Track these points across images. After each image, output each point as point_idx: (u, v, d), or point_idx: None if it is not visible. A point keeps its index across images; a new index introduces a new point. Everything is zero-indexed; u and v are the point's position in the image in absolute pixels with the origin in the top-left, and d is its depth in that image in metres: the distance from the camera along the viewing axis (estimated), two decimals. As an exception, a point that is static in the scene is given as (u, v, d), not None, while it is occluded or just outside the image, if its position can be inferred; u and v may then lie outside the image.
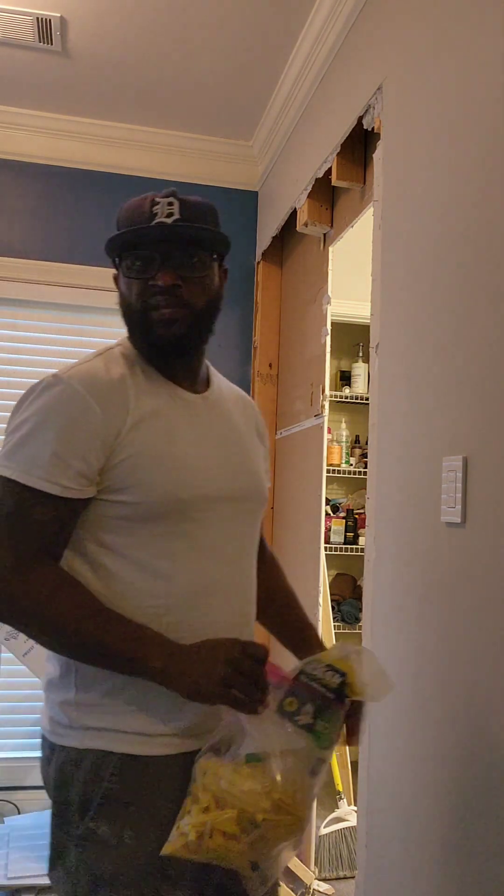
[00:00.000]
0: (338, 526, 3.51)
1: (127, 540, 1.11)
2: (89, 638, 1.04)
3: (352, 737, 1.12)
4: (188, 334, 1.16)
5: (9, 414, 1.22)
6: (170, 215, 1.14)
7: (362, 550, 3.58)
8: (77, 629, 1.04)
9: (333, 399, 3.55)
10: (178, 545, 1.13)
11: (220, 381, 1.32)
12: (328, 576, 3.62)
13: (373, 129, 1.98)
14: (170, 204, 1.15)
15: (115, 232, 1.26)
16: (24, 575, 1.05)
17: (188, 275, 1.15)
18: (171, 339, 1.16)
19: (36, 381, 1.23)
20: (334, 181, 2.24)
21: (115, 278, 1.29)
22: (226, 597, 1.17)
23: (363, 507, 3.59)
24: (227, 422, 1.26)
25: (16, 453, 1.09)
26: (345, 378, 3.72)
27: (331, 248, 2.50)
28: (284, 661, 1.15)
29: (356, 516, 3.55)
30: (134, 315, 1.23)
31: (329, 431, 3.64)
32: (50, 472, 1.06)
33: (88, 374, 1.16)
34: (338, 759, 2.67)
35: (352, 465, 3.64)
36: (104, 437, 1.09)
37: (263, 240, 3.13)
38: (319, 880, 2.44)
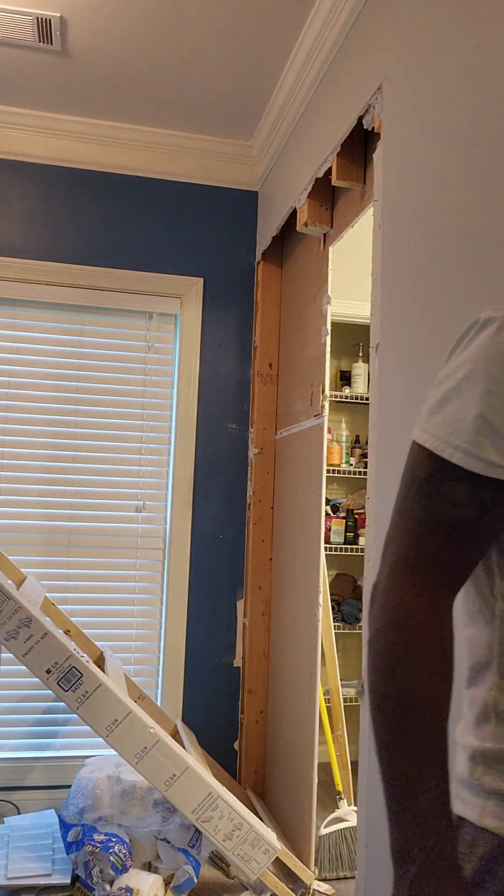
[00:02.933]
0: (338, 526, 3.52)
1: None
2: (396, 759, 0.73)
3: None
4: None
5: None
6: None
7: (362, 550, 3.59)
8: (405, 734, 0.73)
9: (333, 399, 3.55)
10: None
11: None
12: (328, 576, 3.62)
13: (373, 129, 1.99)
14: None
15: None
16: (427, 601, 0.75)
17: None
18: None
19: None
20: (334, 181, 2.24)
21: None
22: None
23: (363, 507, 3.59)
24: None
25: (435, 413, 0.80)
26: (345, 378, 3.72)
27: (331, 248, 2.51)
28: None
29: (356, 516, 3.55)
30: None
31: (329, 431, 3.65)
32: (472, 440, 0.76)
33: None
34: (338, 760, 2.67)
35: (352, 465, 3.64)
36: None
37: (263, 240, 3.13)
38: (319, 880, 2.45)
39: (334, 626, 3.25)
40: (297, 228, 2.62)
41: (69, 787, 2.62)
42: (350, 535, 3.52)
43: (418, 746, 0.72)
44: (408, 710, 0.73)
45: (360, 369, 3.66)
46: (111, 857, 2.23)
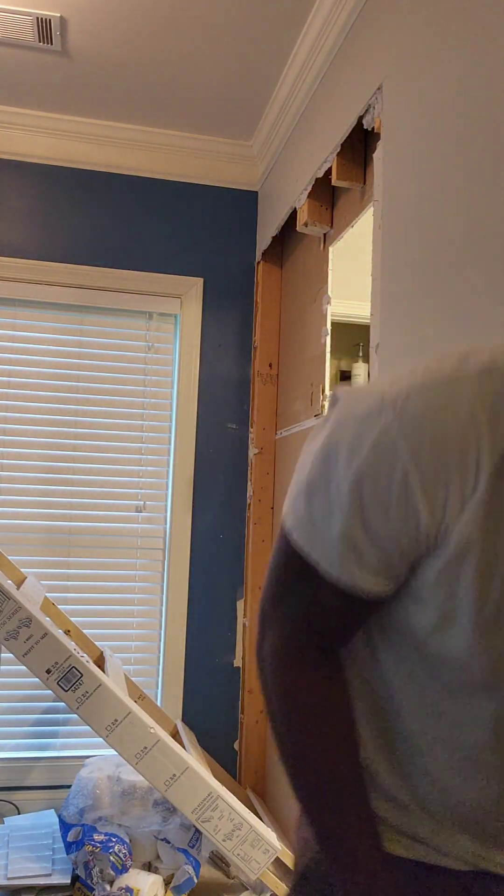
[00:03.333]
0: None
1: None
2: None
3: None
4: None
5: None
6: None
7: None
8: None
9: (333, 399, 3.55)
10: None
11: None
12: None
13: (373, 128, 1.99)
14: None
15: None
16: None
17: None
18: None
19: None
20: (334, 181, 2.24)
21: None
22: None
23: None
24: None
25: (305, 505, 0.78)
26: (345, 378, 3.72)
27: (331, 248, 2.50)
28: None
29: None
30: None
31: (329, 431, 3.64)
32: (339, 562, 0.75)
33: None
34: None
35: (352, 465, 3.64)
36: None
37: (263, 240, 3.13)
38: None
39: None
40: (297, 228, 2.62)
41: (69, 787, 2.62)
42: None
43: (337, 809, 0.76)
44: (319, 784, 0.77)
45: (360, 369, 3.66)
46: (111, 857, 2.23)
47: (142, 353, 3.14)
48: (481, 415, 0.64)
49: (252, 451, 3.11)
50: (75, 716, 2.18)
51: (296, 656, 0.79)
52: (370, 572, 0.73)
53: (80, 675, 2.09)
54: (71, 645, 2.19)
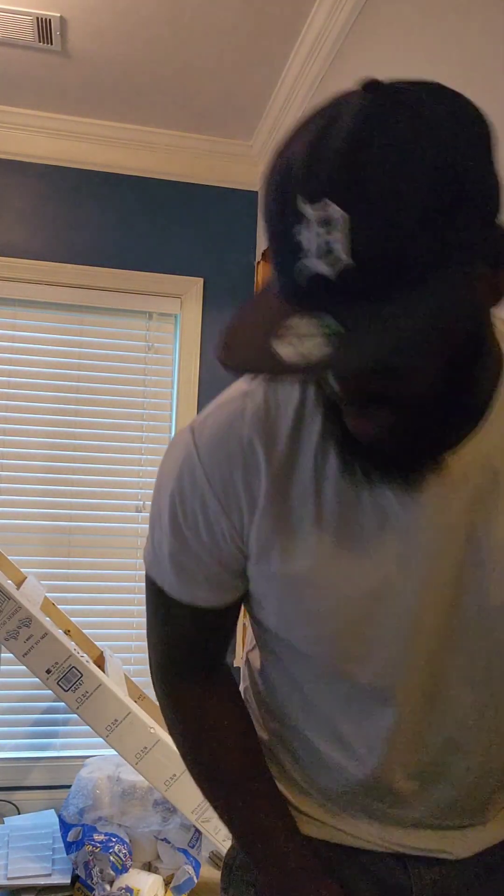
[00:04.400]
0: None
1: None
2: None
3: None
4: None
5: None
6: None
7: (362, 550, 3.58)
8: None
9: (333, 399, 3.55)
10: None
11: None
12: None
13: (373, 129, 1.98)
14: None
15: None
16: None
17: None
18: None
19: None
20: (334, 181, 2.24)
21: None
22: None
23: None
24: None
25: (150, 536, 0.87)
26: (345, 378, 3.72)
27: (331, 248, 2.50)
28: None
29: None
30: None
31: (329, 431, 3.64)
32: (175, 581, 0.83)
33: None
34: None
35: (352, 465, 3.64)
36: None
37: (263, 240, 3.13)
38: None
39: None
40: (297, 228, 2.62)
41: (69, 787, 2.62)
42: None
43: (236, 802, 0.85)
44: (212, 783, 0.87)
45: (360, 369, 3.66)
46: (111, 857, 2.23)
47: (142, 353, 3.14)
48: (257, 439, 0.73)
49: (252, 451, 3.11)
50: (75, 716, 2.18)
51: (173, 673, 0.88)
52: (203, 589, 0.80)
53: (80, 675, 2.09)
54: (71, 645, 2.19)
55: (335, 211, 0.50)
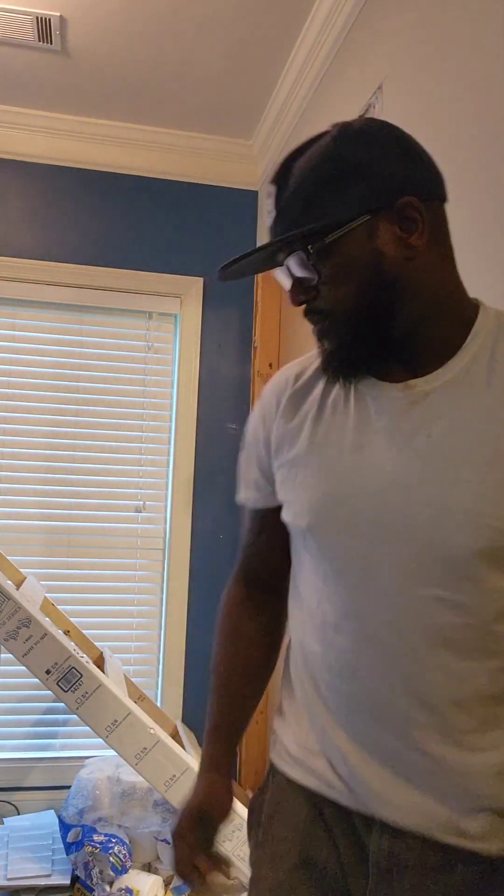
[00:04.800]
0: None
1: None
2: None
3: None
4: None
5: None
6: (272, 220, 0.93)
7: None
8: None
9: (333, 399, 3.54)
10: None
11: None
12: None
13: (373, 128, 1.98)
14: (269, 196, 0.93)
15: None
16: None
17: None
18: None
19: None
20: (334, 181, 2.24)
21: None
22: None
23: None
24: None
25: None
26: (345, 378, 3.72)
27: (331, 248, 2.50)
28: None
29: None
30: None
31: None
32: (239, 484, 1.18)
33: None
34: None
35: (352, 465, 3.64)
36: None
37: (263, 239, 3.12)
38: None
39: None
40: (298, 228, 2.62)
41: (69, 787, 2.62)
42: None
43: (212, 700, 1.16)
44: (212, 674, 1.15)
45: (360, 369, 3.66)
46: (111, 858, 2.23)
47: (142, 352, 3.13)
48: (292, 377, 1.04)
49: (252, 451, 3.10)
50: (75, 716, 2.18)
51: (237, 578, 1.15)
52: (251, 489, 1.09)
53: (79, 676, 2.09)
54: (71, 645, 2.19)
55: (270, 187, 0.93)
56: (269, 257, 0.90)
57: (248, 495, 1.09)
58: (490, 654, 0.84)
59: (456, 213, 1.48)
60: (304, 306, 0.91)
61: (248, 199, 3.27)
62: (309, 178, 0.88)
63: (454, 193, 1.50)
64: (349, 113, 2.14)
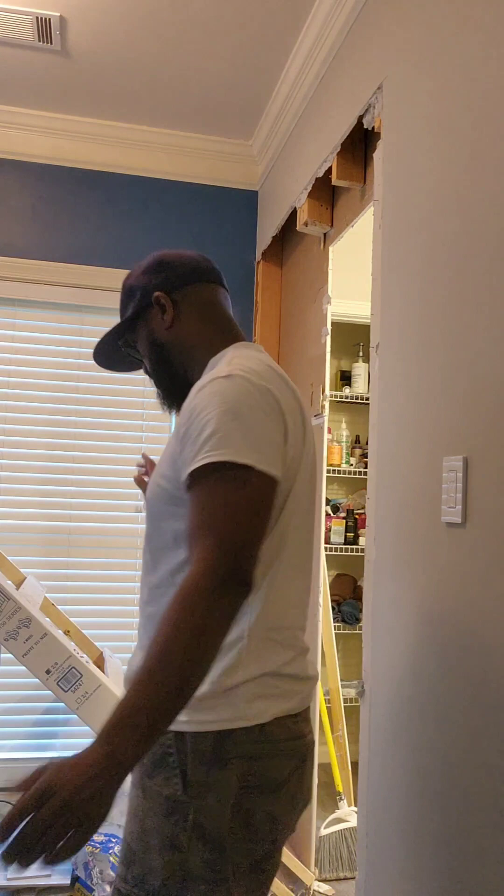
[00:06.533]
0: (338, 526, 3.51)
1: None
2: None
3: None
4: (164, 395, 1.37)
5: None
6: None
7: (362, 551, 3.58)
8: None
9: (333, 399, 3.54)
10: None
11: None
12: (328, 576, 3.62)
13: (373, 128, 1.98)
14: None
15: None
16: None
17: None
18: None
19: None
20: (334, 181, 2.24)
21: None
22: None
23: (363, 508, 3.58)
24: None
25: None
26: (345, 378, 3.72)
27: (331, 248, 2.50)
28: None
29: (356, 516, 3.54)
30: None
31: (329, 431, 3.64)
32: None
33: None
34: (338, 761, 2.67)
35: (352, 465, 3.64)
36: None
37: (263, 239, 3.13)
38: (320, 881, 2.44)
39: (334, 626, 3.24)
40: (298, 228, 2.62)
41: (69, 787, 2.61)
42: (350, 535, 3.52)
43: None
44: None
45: (360, 369, 3.66)
46: (111, 858, 2.23)
47: (142, 353, 3.13)
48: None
49: (252, 451, 3.10)
50: (75, 716, 2.17)
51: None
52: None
53: (79, 676, 2.09)
54: (71, 645, 2.19)
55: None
56: (112, 343, 1.40)
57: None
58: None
59: (457, 211, 1.48)
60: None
61: (248, 198, 3.27)
62: (120, 297, 1.37)
63: (455, 192, 1.50)
64: (349, 113, 2.14)
